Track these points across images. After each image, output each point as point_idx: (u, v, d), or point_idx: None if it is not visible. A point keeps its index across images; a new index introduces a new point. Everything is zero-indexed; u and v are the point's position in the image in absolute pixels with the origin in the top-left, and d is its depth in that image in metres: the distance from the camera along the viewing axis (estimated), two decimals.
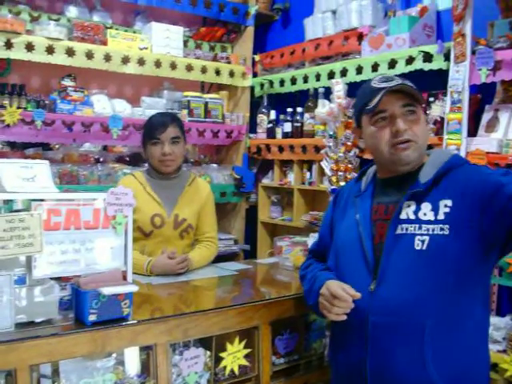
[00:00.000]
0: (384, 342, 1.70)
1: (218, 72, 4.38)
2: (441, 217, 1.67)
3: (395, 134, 1.74)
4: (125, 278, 1.80)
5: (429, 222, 1.68)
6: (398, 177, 1.82)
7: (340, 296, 1.74)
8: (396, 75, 1.84)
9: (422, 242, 1.67)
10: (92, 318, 1.69)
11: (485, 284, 1.74)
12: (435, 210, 1.69)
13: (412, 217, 1.72)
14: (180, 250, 2.74)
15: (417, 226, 1.70)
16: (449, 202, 1.67)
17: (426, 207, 1.70)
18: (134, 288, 1.76)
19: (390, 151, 1.77)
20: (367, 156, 3.48)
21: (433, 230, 1.66)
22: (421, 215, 1.70)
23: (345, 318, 1.76)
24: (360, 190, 1.93)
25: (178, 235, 2.80)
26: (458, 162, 1.76)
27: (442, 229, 1.65)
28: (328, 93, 3.75)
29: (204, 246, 2.89)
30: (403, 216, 1.73)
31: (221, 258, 4.15)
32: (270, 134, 4.42)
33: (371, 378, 1.73)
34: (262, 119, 4.50)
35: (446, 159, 1.76)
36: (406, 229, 1.71)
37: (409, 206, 1.73)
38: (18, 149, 3.86)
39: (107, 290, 1.68)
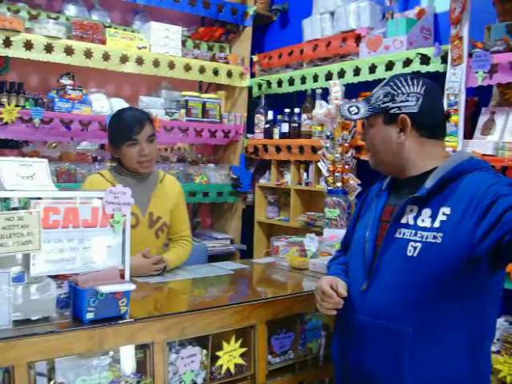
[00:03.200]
0: (366, 342, 1.74)
1: (216, 72, 4.39)
2: (437, 224, 1.64)
3: None
4: (122, 276, 1.81)
5: (424, 229, 1.66)
6: (408, 179, 1.80)
7: (325, 292, 1.81)
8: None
9: (415, 248, 1.66)
10: (89, 315, 1.70)
11: (480, 295, 1.66)
12: (433, 216, 1.66)
13: (411, 222, 1.70)
14: (154, 251, 2.66)
15: (413, 231, 1.68)
16: (447, 210, 1.63)
17: (426, 213, 1.68)
18: (131, 286, 1.77)
19: None
20: (364, 157, 3.50)
21: (426, 238, 1.64)
22: (419, 221, 1.68)
23: (334, 313, 1.82)
24: (381, 189, 1.93)
25: (153, 234, 2.70)
26: (467, 169, 1.68)
27: (434, 237, 1.62)
28: (325, 94, 3.78)
29: (180, 246, 2.81)
30: (404, 220, 1.73)
31: (217, 257, 4.18)
32: (268, 134, 4.43)
33: (353, 376, 1.80)
34: (260, 119, 4.52)
35: (455, 164, 1.70)
36: (404, 233, 1.71)
37: (411, 210, 1.72)
38: None
39: (105, 289, 1.69)
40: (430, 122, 1.75)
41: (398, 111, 1.74)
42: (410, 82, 1.75)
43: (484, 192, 1.57)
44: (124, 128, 2.59)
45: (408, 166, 1.78)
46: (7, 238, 1.53)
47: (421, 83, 1.75)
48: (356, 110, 1.81)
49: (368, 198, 2.02)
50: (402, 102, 1.73)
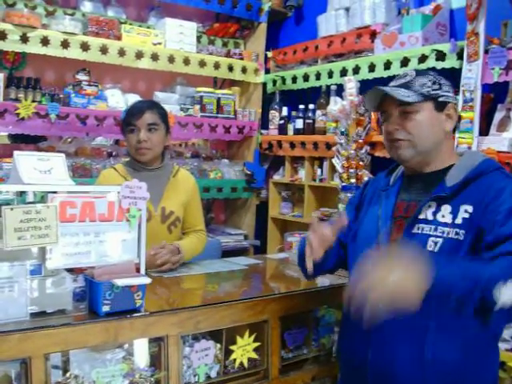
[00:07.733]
0: (386, 339, 1.72)
1: (230, 68, 4.40)
2: (458, 221, 1.65)
3: (388, 134, 1.79)
4: (138, 270, 1.82)
5: (445, 225, 1.66)
6: (424, 175, 1.80)
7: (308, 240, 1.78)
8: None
9: (435, 243, 1.66)
10: (105, 308, 1.71)
11: None
12: (454, 213, 1.66)
13: (430, 217, 1.70)
14: None
15: (433, 227, 1.68)
16: (470, 208, 1.64)
17: (446, 209, 1.68)
18: (146, 280, 1.79)
19: (389, 149, 1.83)
20: (378, 153, 3.49)
21: (448, 233, 1.65)
22: (439, 217, 1.68)
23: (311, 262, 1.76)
24: (388, 184, 1.92)
25: (165, 229, 2.71)
26: (487, 169, 1.71)
27: (457, 233, 1.63)
28: (340, 90, 3.77)
29: (195, 237, 2.82)
30: (421, 216, 1.72)
31: (231, 252, 4.19)
32: (282, 130, 4.43)
33: (372, 374, 1.76)
34: (274, 115, 4.52)
35: (475, 164, 1.72)
36: (422, 229, 1.70)
37: (429, 206, 1.72)
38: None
39: (121, 282, 1.70)
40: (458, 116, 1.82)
41: (446, 100, 1.76)
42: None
43: (495, 219, 1.60)
44: (127, 115, 2.69)
45: (437, 158, 1.78)
46: (25, 231, 1.55)
47: None
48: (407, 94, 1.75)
49: (369, 190, 2.00)
50: (446, 92, 1.77)
